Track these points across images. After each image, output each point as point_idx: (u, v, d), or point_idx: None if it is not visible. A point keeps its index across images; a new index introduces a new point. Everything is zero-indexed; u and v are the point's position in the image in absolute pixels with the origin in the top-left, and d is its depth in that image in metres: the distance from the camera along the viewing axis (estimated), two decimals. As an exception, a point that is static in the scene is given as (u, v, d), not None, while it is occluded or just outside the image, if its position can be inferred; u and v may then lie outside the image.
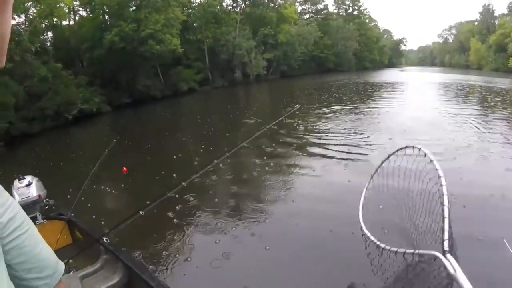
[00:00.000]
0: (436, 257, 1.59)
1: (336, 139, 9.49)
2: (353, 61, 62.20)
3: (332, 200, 5.53)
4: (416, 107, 14.57)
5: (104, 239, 2.47)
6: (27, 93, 15.20)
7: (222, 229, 4.86)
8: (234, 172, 7.39)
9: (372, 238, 2.24)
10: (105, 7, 25.75)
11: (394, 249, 2.00)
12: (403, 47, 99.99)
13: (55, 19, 23.45)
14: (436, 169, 1.92)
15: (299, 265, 3.89)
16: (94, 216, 5.38)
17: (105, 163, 3.24)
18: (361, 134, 9.87)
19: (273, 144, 8.89)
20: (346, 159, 7.53)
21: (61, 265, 1.25)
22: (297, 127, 11.33)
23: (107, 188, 6.92)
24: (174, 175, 7.11)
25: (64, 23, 26.23)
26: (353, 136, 9.73)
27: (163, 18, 26.43)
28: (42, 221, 2.96)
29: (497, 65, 53.36)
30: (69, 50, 22.87)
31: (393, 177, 2.26)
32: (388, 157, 2.53)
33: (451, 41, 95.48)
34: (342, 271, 3.69)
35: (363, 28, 66.83)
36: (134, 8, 27.10)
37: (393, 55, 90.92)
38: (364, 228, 2.43)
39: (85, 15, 27.43)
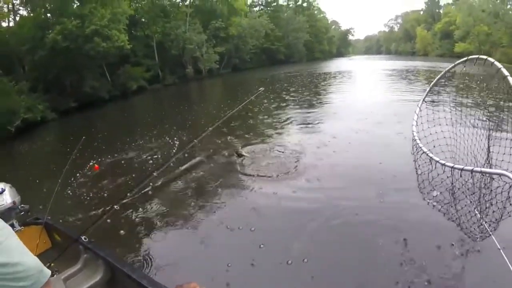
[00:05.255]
0: (502, 175, 1.82)
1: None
2: (303, 52, 63.93)
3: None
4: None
5: (82, 238, 2.45)
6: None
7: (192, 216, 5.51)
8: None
9: (430, 154, 2.50)
10: (47, 4, 24.30)
11: (459, 166, 2.22)
12: (350, 37, 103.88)
13: (-8, 21, 21.81)
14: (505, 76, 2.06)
15: None
16: (71, 217, 5.63)
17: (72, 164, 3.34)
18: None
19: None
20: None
21: (44, 273, 1.18)
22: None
23: (79, 188, 7.18)
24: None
25: (4, 24, 24.44)
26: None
27: (109, 12, 25.45)
28: (19, 227, 2.86)
29: (443, 51, 57.54)
30: (8, 55, 21.35)
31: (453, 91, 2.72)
32: (454, 66, 2.76)
33: (396, 30, 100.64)
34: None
35: (312, 19, 68.69)
36: (78, 3, 25.88)
37: (341, 45, 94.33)
38: (418, 141, 2.66)
39: (26, 14, 25.69)
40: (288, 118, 12.48)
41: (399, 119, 10.02)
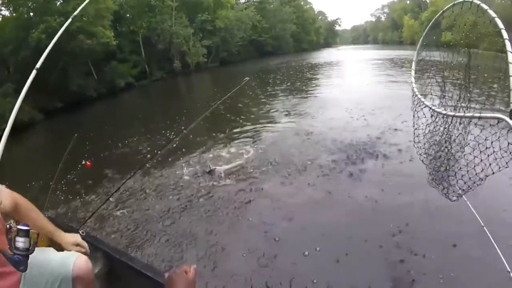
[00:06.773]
0: (500, 120, 1.54)
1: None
2: (291, 43, 63.92)
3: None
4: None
5: (80, 231, 2.39)
6: None
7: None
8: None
9: (426, 102, 2.38)
10: (29, 3, 23.69)
11: (451, 113, 2.02)
12: (337, 27, 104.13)
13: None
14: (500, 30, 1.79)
15: None
16: (67, 212, 5.87)
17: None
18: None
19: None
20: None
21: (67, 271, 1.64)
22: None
23: (73, 184, 7.31)
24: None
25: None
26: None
27: (94, 9, 24.96)
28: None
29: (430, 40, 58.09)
30: (-9, 57, 20.65)
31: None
32: (442, 12, 2.67)
33: (383, 19, 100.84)
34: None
35: (299, 10, 68.50)
36: (61, 0, 25.35)
37: (328, 35, 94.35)
38: (417, 92, 2.55)
39: (9, 15, 25.07)
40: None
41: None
